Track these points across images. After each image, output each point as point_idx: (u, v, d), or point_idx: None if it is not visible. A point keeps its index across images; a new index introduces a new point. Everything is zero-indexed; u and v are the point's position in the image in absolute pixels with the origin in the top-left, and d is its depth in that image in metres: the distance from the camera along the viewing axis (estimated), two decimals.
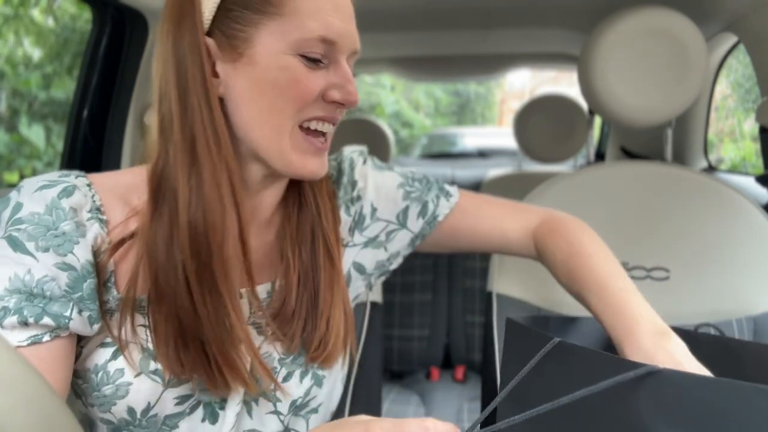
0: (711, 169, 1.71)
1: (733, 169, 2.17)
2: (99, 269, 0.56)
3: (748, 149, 2.47)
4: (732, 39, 1.46)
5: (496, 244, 0.77)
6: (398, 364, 1.94)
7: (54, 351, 0.53)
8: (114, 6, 1.29)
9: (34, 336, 0.51)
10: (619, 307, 0.60)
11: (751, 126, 2.39)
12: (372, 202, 0.73)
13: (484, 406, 1.00)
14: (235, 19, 0.54)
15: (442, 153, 5.27)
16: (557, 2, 1.34)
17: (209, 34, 0.55)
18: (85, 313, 0.54)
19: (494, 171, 2.09)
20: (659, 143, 1.15)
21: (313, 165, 0.59)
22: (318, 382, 0.65)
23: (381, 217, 0.73)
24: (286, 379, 0.63)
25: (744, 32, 1.16)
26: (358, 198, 0.73)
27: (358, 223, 0.73)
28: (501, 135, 5.62)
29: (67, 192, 0.55)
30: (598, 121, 2.35)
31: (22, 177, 2.67)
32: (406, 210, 0.74)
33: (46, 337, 0.52)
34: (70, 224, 0.54)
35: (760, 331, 0.94)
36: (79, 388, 0.57)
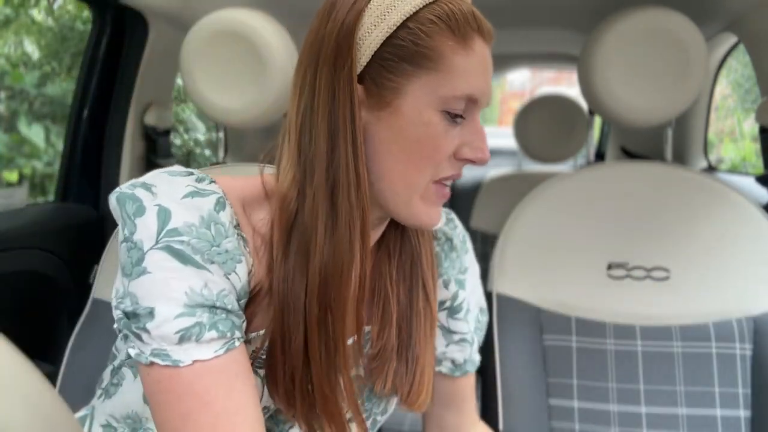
0: (711, 169, 1.71)
1: (733, 169, 2.17)
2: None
3: (747, 149, 2.47)
4: (732, 39, 1.46)
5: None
6: None
7: (245, 353, 0.53)
8: (114, 6, 1.29)
9: (228, 343, 0.50)
10: None
11: (751, 126, 2.40)
12: (468, 299, 0.73)
13: (484, 406, 1.00)
14: (389, 69, 0.53)
15: None
16: (557, 2, 1.34)
17: (360, 80, 0.54)
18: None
19: (494, 171, 2.09)
20: (659, 143, 1.15)
21: (435, 214, 0.58)
22: (374, 426, 0.68)
23: (468, 321, 0.73)
24: (350, 420, 0.63)
25: (744, 32, 1.16)
26: (462, 284, 0.72)
27: (452, 310, 0.71)
28: (501, 135, 5.61)
29: (221, 205, 0.52)
30: (598, 121, 2.35)
31: (21, 176, 2.67)
32: (473, 332, 0.74)
33: (237, 342, 0.51)
34: (232, 242, 0.51)
35: (760, 331, 0.94)
36: None
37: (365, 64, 0.54)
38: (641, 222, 1.02)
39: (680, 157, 1.66)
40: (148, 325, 0.48)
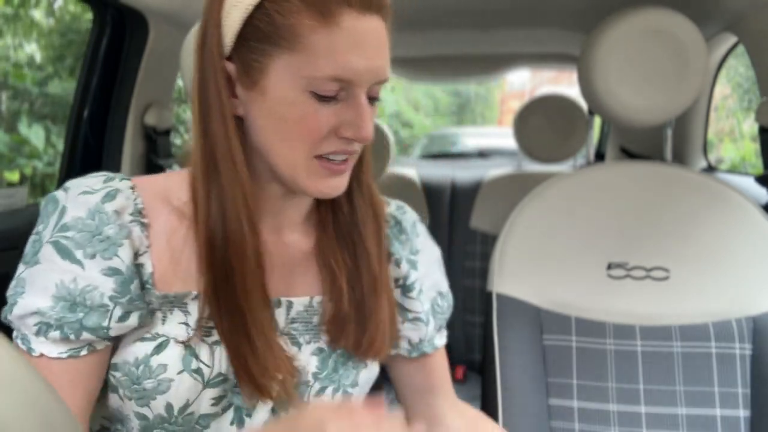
0: (711, 169, 1.71)
1: (733, 169, 2.17)
2: (139, 270, 0.58)
3: (747, 149, 2.47)
4: (732, 39, 1.46)
5: (423, 406, 0.77)
6: None
7: (89, 364, 0.56)
8: (114, 6, 1.29)
9: (73, 350, 0.55)
10: None
11: (750, 126, 2.40)
12: (423, 282, 0.73)
13: (484, 406, 1.00)
14: (251, 49, 0.55)
15: (442, 153, 5.27)
16: (557, 2, 1.34)
17: (231, 58, 0.56)
18: (135, 314, 0.57)
19: (494, 171, 2.09)
20: (659, 143, 1.15)
21: (327, 186, 0.59)
22: (346, 400, 0.67)
23: (422, 301, 0.73)
24: (319, 393, 0.65)
25: (744, 32, 1.16)
26: (414, 265, 0.73)
27: (405, 288, 0.72)
28: (501, 135, 5.61)
29: (110, 196, 0.57)
30: (598, 121, 2.35)
31: (22, 175, 2.67)
32: (428, 312, 0.74)
33: (84, 352, 0.55)
34: (113, 228, 0.56)
35: (759, 331, 0.94)
36: (117, 381, 0.58)
37: (231, 44, 0.55)
38: (641, 222, 1.02)
39: (680, 157, 1.66)
40: (10, 316, 0.55)
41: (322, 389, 0.65)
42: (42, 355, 0.54)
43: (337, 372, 0.65)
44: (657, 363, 0.95)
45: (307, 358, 0.64)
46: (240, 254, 0.56)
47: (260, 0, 0.53)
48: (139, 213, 0.58)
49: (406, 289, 0.72)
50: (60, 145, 1.89)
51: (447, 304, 0.76)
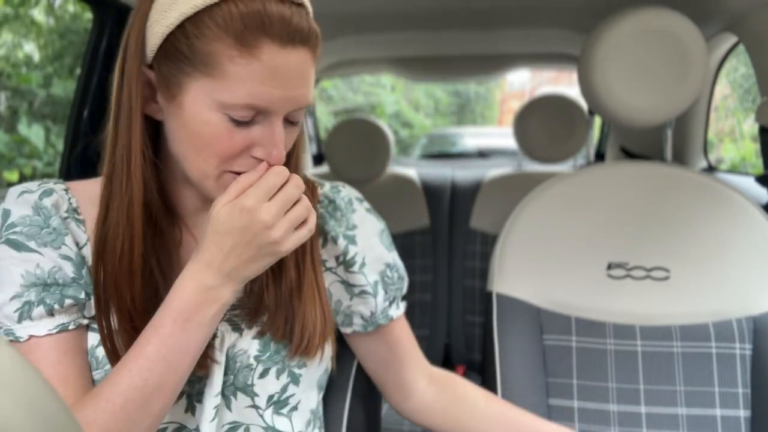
0: (711, 169, 1.72)
1: (733, 169, 2.17)
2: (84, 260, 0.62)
3: (747, 149, 2.47)
4: (732, 39, 1.46)
5: (393, 373, 0.79)
6: None
7: (79, 339, 0.60)
8: (114, 6, 1.29)
9: (62, 325, 0.59)
10: None
11: (750, 126, 2.40)
12: (365, 256, 0.73)
13: None
14: (171, 65, 0.56)
15: (442, 153, 5.28)
16: (557, 2, 1.34)
17: (153, 67, 0.58)
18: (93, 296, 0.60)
19: (494, 171, 2.09)
20: (659, 143, 1.15)
21: None
22: (295, 380, 0.68)
23: (366, 274, 0.74)
24: (263, 375, 0.66)
25: (744, 32, 1.16)
26: (352, 240, 0.73)
27: (346, 264, 0.73)
28: (501, 135, 5.62)
29: (47, 193, 0.62)
30: (598, 121, 2.35)
31: (22, 175, 2.67)
32: (375, 285, 0.74)
33: (72, 326, 0.59)
34: (56, 219, 0.61)
35: (759, 331, 0.94)
36: None
37: (153, 55, 0.57)
38: (641, 222, 1.02)
39: (680, 157, 1.66)
40: None
41: (266, 371, 0.66)
42: (31, 336, 0.57)
43: (280, 353, 0.66)
44: (657, 363, 0.95)
45: (248, 342, 0.65)
46: (114, 257, 0.59)
47: (182, 21, 0.54)
48: (74, 211, 0.63)
49: (347, 265, 0.73)
50: (60, 145, 1.90)
51: (398, 275, 0.76)
